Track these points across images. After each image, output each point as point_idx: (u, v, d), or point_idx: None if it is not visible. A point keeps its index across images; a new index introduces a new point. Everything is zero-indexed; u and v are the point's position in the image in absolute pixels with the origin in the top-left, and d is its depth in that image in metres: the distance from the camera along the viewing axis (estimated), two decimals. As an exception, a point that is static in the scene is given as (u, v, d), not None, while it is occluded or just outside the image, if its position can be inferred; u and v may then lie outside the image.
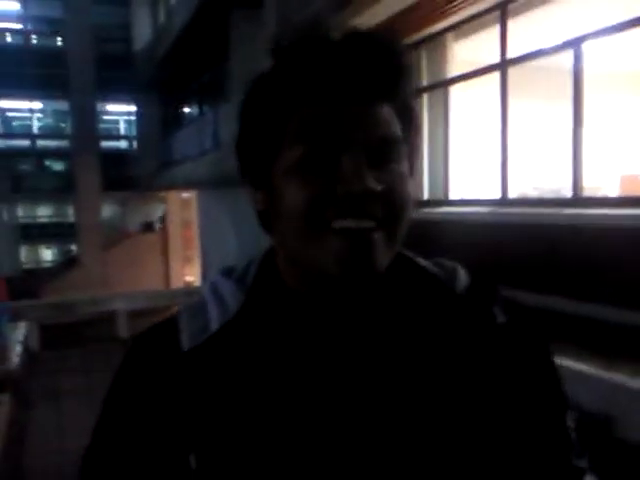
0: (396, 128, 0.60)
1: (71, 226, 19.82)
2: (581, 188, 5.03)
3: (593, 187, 5.95)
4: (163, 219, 19.36)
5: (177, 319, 0.67)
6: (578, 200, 4.98)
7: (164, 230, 19.17)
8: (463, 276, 0.69)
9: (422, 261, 0.70)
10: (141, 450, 0.63)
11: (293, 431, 0.59)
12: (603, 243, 4.30)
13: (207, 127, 12.91)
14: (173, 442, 0.62)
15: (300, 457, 0.58)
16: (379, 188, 0.57)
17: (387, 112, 0.59)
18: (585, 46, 4.88)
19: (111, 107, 25.39)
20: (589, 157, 5.19)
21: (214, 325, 0.64)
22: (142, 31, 17.52)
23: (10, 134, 27.22)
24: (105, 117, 25.25)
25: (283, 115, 0.60)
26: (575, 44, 4.93)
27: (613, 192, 6.57)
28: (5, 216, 24.40)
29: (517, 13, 5.59)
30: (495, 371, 0.63)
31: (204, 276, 13.74)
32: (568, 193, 5.21)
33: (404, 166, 0.61)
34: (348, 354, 0.61)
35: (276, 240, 0.67)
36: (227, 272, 0.71)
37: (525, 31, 5.69)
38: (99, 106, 20.53)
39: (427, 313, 0.65)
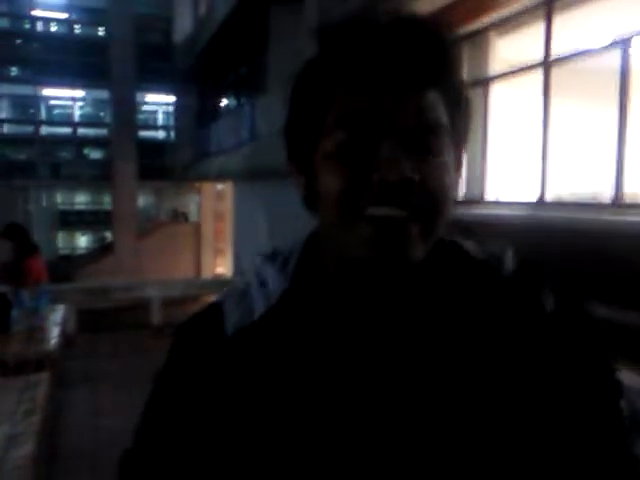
0: (441, 116, 0.58)
1: (107, 214, 20.23)
2: (622, 193, 4.92)
3: (633, 193, 5.81)
4: (197, 210, 19.59)
5: (222, 304, 0.67)
6: (619, 205, 4.87)
7: (197, 221, 19.39)
8: (511, 259, 0.66)
9: (468, 244, 0.68)
10: (186, 433, 0.64)
11: (332, 418, 0.59)
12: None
13: (244, 119, 12.99)
14: (215, 424, 0.62)
15: (340, 442, 0.58)
16: (416, 177, 0.56)
17: (432, 99, 0.58)
18: (633, 47, 4.76)
19: (150, 97, 25.79)
20: (634, 163, 5.07)
21: (257, 311, 0.64)
22: (183, 23, 17.72)
23: (52, 121, 27.86)
24: (144, 107, 25.64)
25: (325, 100, 0.59)
26: (623, 44, 4.81)
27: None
28: (44, 202, 25.00)
29: (563, 10, 5.48)
30: (542, 361, 0.61)
31: (235, 268, 13.85)
32: (606, 198, 5.10)
33: (447, 156, 0.59)
34: (387, 343, 0.61)
35: (319, 228, 0.67)
36: (271, 257, 0.70)
37: (570, 29, 5.58)
38: (138, 96, 20.86)
39: (470, 298, 0.63)
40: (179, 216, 20.55)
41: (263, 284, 0.66)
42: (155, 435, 0.67)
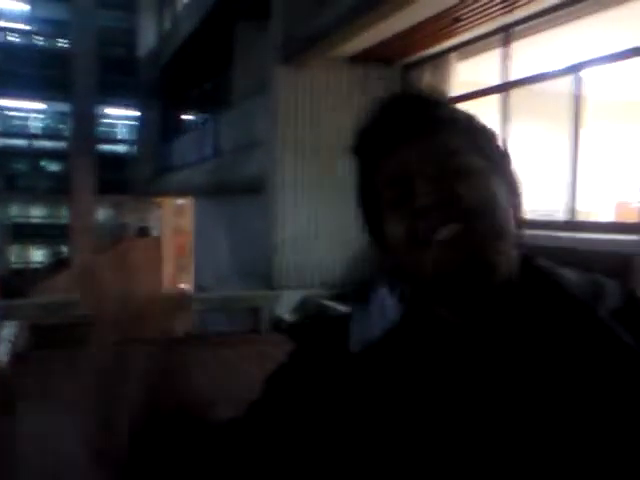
0: (459, 144, 0.68)
1: (64, 228, 19.74)
2: (575, 212, 5.08)
3: (587, 212, 6.00)
4: (158, 225, 19.32)
5: (348, 320, 0.75)
6: (572, 224, 5.02)
7: (158, 236, 19.11)
8: (614, 296, 0.68)
9: (564, 274, 0.71)
10: (300, 437, 0.70)
11: (441, 438, 0.64)
12: (596, 267, 4.33)
13: (207, 135, 12.95)
14: (333, 431, 0.68)
15: (454, 462, 0.63)
16: (449, 195, 0.64)
17: (446, 134, 0.69)
18: (585, 72, 4.96)
19: (112, 110, 25.45)
20: (585, 182, 5.24)
21: (377, 332, 0.71)
22: (147, 37, 17.63)
23: (7, 133, 27.17)
24: (105, 120, 25.28)
25: (372, 179, 0.72)
26: (575, 70, 5.00)
27: (608, 218, 6.62)
28: (-3, 214, 24.26)
29: (520, 36, 5.67)
30: (632, 401, 0.62)
31: (197, 284, 13.69)
32: (562, 216, 5.26)
33: (479, 172, 0.67)
34: (488, 367, 0.66)
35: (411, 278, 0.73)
36: (392, 287, 0.77)
37: (528, 54, 5.77)
38: (100, 109, 20.56)
39: (561, 333, 0.65)
40: (143, 232, 20.24)
41: (384, 311, 0.74)
42: (261, 434, 0.73)
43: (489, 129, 0.74)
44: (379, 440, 0.65)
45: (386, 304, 0.75)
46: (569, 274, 0.71)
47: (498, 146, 0.73)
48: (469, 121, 0.73)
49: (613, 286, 0.70)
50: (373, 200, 0.73)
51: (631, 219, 5.89)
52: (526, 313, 0.67)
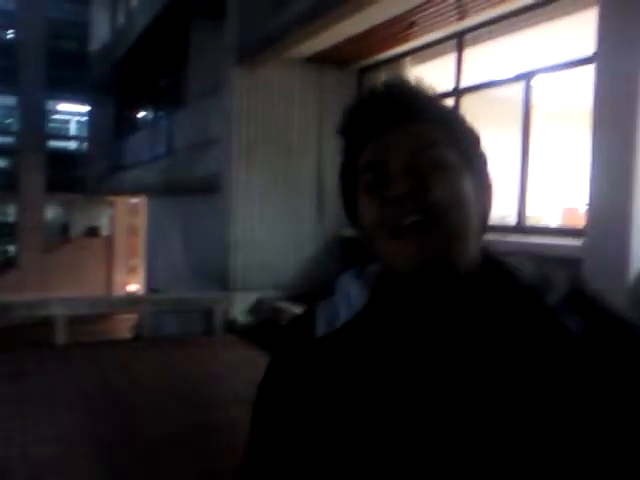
0: (435, 137, 0.70)
1: (11, 226, 19.09)
2: (525, 217, 5.20)
3: (536, 217, 6.16)
4: (109, 224, 18.91)
5: (315, 311, 0.80)
6: (521, 228, 5.14)
7: (109, 236, 18.71)
8: (560, 287, 0.72)
9: (521, 266, 0.75)
10: (284, 427, 0.76)
11: (394, 418, 0.69)
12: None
13: (161, 133, 12.74)
14: (303, 417, 0.74)
15: (398, 443, 0.68)
16: (416, 189, 0.67)
17: (425, 128, 0.71)
18: (535, 80, 5.08)
19: (63, 106, 24.74)
20: (535, 188, 5.37)
21: (342, 319, 0.76)
22: (99, 31, 17.21)
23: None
24: (55, 116, 24.54)
25: (355, 153, 0.74)
26: (525, 78, 5.12)
27: (556, 223, 6.81)
28: (-60, 212, 23.29)
29: (473, 43, 5.77)
30: (574, 385, 0.66)
31: (149, 285, 13.43)
32: (512, 221, 5.37)
33: (451, 166, 0.69)
34: (443, 355, 0.70)
35: (380, 262, 0.76)
36: (356, 274, 0.81)
37: (480, 61, 5.88)
38: (50, 104, 19.97)
39: (511, 322, 0.70)
40: (94, 231, 19.77)
41: (347, 296, 0.78)
42: (265, 436, 0.79)
43: (470, 127, 0.76)
44: (341, 422, 0.71)
45: (351, 291, 0.79)
46: (523, 267, 0.75)
47: (476, 145, 0.75)
48: (451, 116, 0.75)
49: (561, 277, 0.74)
50: (351, 181, 0.76)
51: (578, 224, 6.07)
52: (483, 303, 0.71)
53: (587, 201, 3.90)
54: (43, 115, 17.10)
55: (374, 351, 0.73)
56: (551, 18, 4.93)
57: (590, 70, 3.96)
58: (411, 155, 0.69)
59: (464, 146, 0.72)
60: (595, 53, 3.83)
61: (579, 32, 4.51)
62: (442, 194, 0.67)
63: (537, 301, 0.70)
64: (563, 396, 0.65)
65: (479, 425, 0.66)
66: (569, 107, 7.18)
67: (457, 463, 0.66)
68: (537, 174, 5.57)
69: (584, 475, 0.64)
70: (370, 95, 0.76)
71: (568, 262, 4.13)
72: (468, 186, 0.70)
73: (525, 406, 0.65)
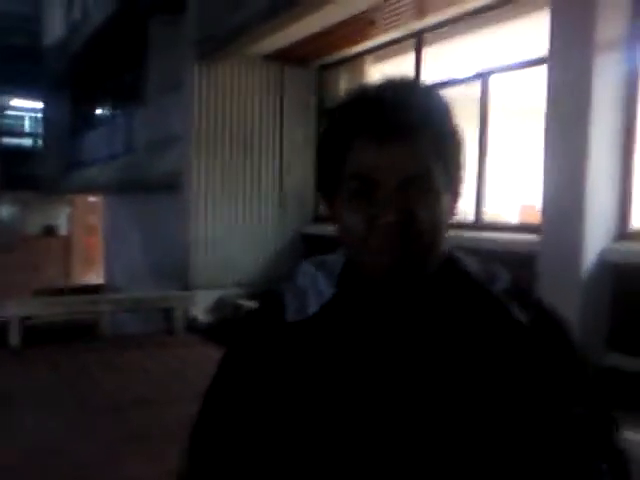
0: (427, 158, 0.73)
1: (-37, 225, 18.46)
2: (483, 213, 5.30)
3: (494, 214, 6.27)
4: (67, 223, 18.47)
5: (282, 297, 0.83)
6: (479, 225, 5.23)
7: (68, 235, 18.28)
8: (503, 280, 0.80)
9: (470, 262, 0.83)
10: (244, 407, 0.79)
11: (358, 398, 0.74)
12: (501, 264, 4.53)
13: (120, 130, 12.50)
14: (269, 400, 0.77)
15: (359, 420, 0.73)
16: (406, 219, 0.71)
17: (417, 145, 0.72)
18: (492, 79, 5.17)
19: (16, 102, 24.04)
20: (493, 186, 5.47)
21: (313, 307, 0.80)
22: (54, 25, 16.77)
23: None
24: (9, 112, 23.83)
25: (341, 158, 0.76)
26: (482, 77, 5.21)
27: (514, 220, 6.94)
28: None
29: (431, 43, 5.84)
30: (513, 369, 0.74)
31: (108, 284, 13.17)
32: (471, 217, 5.46)
33: (436, 191, 0.73)
34: (403, 342, 0.76)
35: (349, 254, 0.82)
36: (319, 264, 0.85)
37: (439, 60, 5.95)
38: (3, 100, 19.38)
39: (462, 310, 0.77)
40: (51, 230, 19.29)
41: (317, 286, 0.82)
42: (220, 405, 0.82)
43: (459, 134, 0.79)
44: (309, 402, 0.75)
45: (319, 279, 0.83)
46: (473, 263, 0.83)
47: (460, 153, 0.79)
48: (448, 127, 0.77)
49: (501, 271, 0.83)
50: (334, 174, 0.78)
51: (535, 221, 6.21)
52: (442, 295, 0.78)
53: (541, 198, 3.99)
54: (-5, 111, 16.57)
55: (343, 337, 0.78)
56: (508, 18, 5.02)
57: (544, 70, 4.06)
58: (404, 180, 0.72)
59: (450, 160, 0.76)
60: (548, 53, 3.92)
61: (536, 32, 4.61)
62: (426, 223, 0.73)
63: (486, 293, 0.78)
64: (512, 373, 0.74)
65: (438, 403, 0.73)
66: (526, 105, 7.33)
67: (414, 444, 0.72)
68: (495, 172, 5.67)
69: (528, 443, 0.72)
70: (364, 98, 0.76)
71: (525, 257, 4.22)
72: (445, 206, 0.75)
73: (479, 382, 0.73)
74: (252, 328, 0.84)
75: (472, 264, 0.83)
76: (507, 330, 0.76)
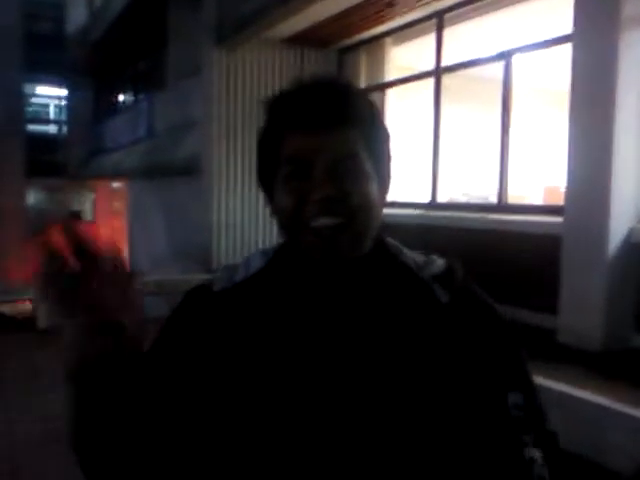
0: (358, 146, 0.78)
1: (-9, 212, 18.81)
2: (506, 195, 5.23)
3: (518, 196, 6.19)
4: (91, 208, 18.72)
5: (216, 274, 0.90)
6: (503, 207, 5.17)
7: (92, 220, 18.53)
8: (436, 266, 0.85)
9: (402, 251, 0.88)
10: (175, 362, 0.83)
11: (283, 366, 0.78)
12: (524, 247, 4.50)
13: (141, 116, 12.57)
14: (197, 360, 0.82)
15: (286, 389, 0.77)
16: (340, 193, 0.76)
17: (349, 134, 0.78)
18: (515, 59, 5.08)
19: (41, 89, 24.32)
20: (517, 167, 5.40)
21: (239, 277, 0.87)
22: (77, 12, 16.86)
23: None
24: (34, 99, 24.14)
25: (276, 145, 0.81)
26: (505, 56, 5.12)
27: (538, 201, 6.86)
28: None
29: (452, 23, 5.74)
30: (437, 349, 0.78)
31: (131, 268, 13.31)
32: (494, 199, 5.41)
33: (367, 175, 0.79)
34: (331, 318, 0.80)
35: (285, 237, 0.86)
36: (265, 249, 0.91)
37: (460, 40, 5.86)
38: (28, 88, 19.61)
39: (387, 289, 0.83)
40: (76, 215, 19.55)
41: (247, 262, 0.89)
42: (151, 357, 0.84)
43: (386, 130, 0.85)
44: (233, 367, 0.79)
45: (251, 257, 0.90)
46: (408, 251, 0.88)
47: (386, 145, 0.85)
48: (372, 120, 0.83)
49: (439, 260, 0.87)
50: (269, 166, 0.83)
51: (559, 202, 6.12)
52: (370, 276, 0.83)
53: (566, 179, 3.93)
54: (21, 98, 16.78)
55: (265, 306, 0.83)
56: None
57: (569, 49, 3.97)
58: (335, 161, 0.77)
59: (377, 149, 0.82)
60: (572, 31, 3.84)
61: (560, 9, 4.51)
62: (358, 200, 0.77)
63: (414, 276, 0.84)
64: (431, 350, 0.78)
65: (359, 375, 0.76)
66: (550, 85, 7.20)
67: (339, 413, 0.75)
68: (519, 153, 5.59)
69: (450, 418, 0.75)
70: (302, 88, 0.82)
71: (549, 239, 4.18)
72: (375, 189, 0.80)
73: (400, 357, 0.77)
74: (186, 299, 0.90)
75: (406, 252, 0.88)
76: (428, 309, 0.80)
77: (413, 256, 0.87)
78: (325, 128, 0.78)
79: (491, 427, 0.75)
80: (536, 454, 0.73)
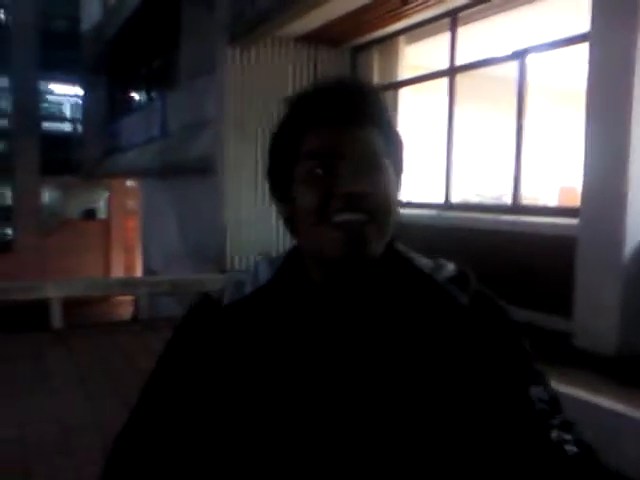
0: (379, 145, 0.78)
1: (7, 209, 19.01)
2: (520, 196, 5.18)
3: (532, 197, 6.13)
4: (106, 207, 18.85)
5: (225, 288, 0.87)
6: (517, 208, 5.12)
7: (107, 219, 18.67)
8: (448, 270, 0.84)
9: (414, 255, 0.86)
10: (181, 392, 0.81)
11: (304, 382, 0.76)
12: (539, 249, 4.45)
13: (155, 114, 12.62)
14: (206, 381, 0.80)
15: (296, 417, 0.75)
16: (367, 189, 0.74)
17: (371, 134, 0.78)
18: (530, 58, 5.02)
19: (56, 87, 24.50)
20: (531, 168, 5.34)
21: (247, 290, 0.83)
22: (91, 10, 16.96)
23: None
24: (49, 97, 24.31)
25: (296, 141, 0.79)
26: (520, 56, 5.06)
27: (553, 203, 6.79)
28: None
29: (466, 22, 5.69)
30: (459, 352, 0.77)
31: (145, 267, 13.43)
32: (508, 200, 5.35)
33: (388, 174, 0.78)
34: (345, 333, 0.78)
35: (298, 240, 0.84)
36: (270, 259, 0.89)
37: (474, 39, 5.81)
38: (43, 86, 19.78)
39: (404, 294, 0.81)
40: (91, 214, 19.73)
41: (255, 274, 0.85)
42: (159, 391, 0.83)
43: (400, 135, 0.85)
44: (241, 386, 0.78)
45: (259, 268, 0.87)
46: (417, 256, 0.87)
47: (401, 150, 0.85)
48: (391, 124, 0.83)
49: (449, 264, 0.86)
50: (286, 163, 0.80)
51: (575, 204, 6.05)
52: (386, 282, 0.81)
53: (582, 180, 3.88)
54: (36, 96, 16.92)
55: (277, 320, 0.80)
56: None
57: (585, 48, 3.91)
58: (360, 157, 0.76)
59: (394, 151, 0.82)
60: (589, 31, 3.78)
61: (577, 7, 4.45)
62: (381, 198, 0.76)
63: (429, 280, 0.82)
64: (455, 354, 0.76)
65: (379, 391, 0.74)
66: (565, 85, 7.12)
67: (356, 432, 0.73)
68: (533, 153, 5.53)
69: (478, 433, 0.74)
70: (327, 86, 0.81)
71: (564, 241, 4.13)
72: (395, 189, 0.80)
73: (425, 364, 0.76)
74: (193, 313, 0.88)
75: (417, 256, 0.87)
76: (448, 312, 0.79)
77: (422, 260, 0.86)
78: (351, 125, 0.77)
79: (519, 422, 0.75)
80: (566, 436, 0.74)
